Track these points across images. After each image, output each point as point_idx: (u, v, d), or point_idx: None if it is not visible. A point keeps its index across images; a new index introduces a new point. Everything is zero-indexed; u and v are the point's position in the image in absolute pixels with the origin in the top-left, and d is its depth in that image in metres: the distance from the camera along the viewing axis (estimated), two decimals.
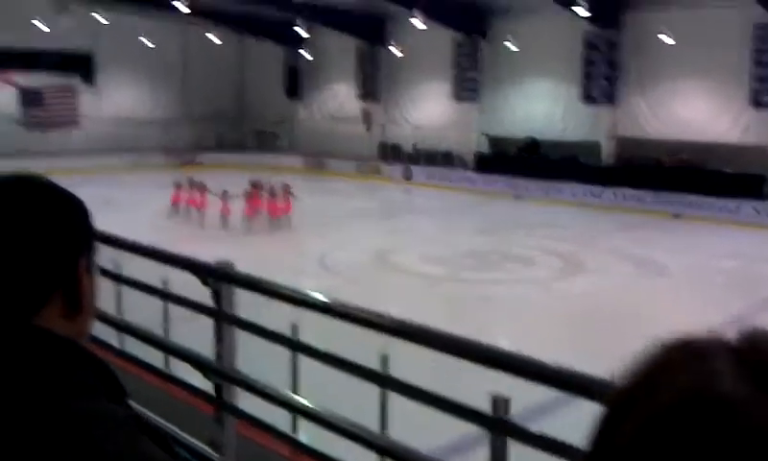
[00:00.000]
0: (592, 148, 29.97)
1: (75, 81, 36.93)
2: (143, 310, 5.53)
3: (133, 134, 38.15)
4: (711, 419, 0.60)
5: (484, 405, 2.93)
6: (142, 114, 39.35)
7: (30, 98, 35.56)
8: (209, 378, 4.03)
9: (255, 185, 22.76)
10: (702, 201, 26.03)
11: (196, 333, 4.43)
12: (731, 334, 0.67)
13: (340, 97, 39.59)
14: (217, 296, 3.91)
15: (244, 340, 4.08)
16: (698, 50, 26.21)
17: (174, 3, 31.00)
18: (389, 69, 36.92)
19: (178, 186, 24.10)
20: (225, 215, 21.87)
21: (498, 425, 2.94)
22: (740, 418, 0.59)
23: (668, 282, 17.64)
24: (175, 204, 23.93)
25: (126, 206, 24.39)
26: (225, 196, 22.18)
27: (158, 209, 24.25)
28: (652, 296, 16.42)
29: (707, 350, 0.66)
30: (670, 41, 25.91)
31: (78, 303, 1.21)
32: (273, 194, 22.32)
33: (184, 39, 40.35)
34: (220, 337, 3.96)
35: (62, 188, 1.26)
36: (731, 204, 25.48)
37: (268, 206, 22.24)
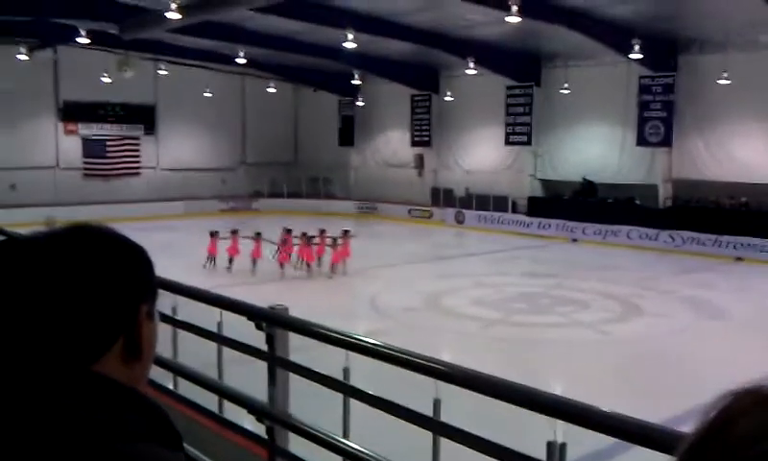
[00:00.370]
0: (648, 191, 29.54)
1: (138, 131, 38.17)
2: (198, 354, 5.61)
3: (191, 182, 39.09)
4: None
5: (540, 450, 2.88)
6: (200, 162, 40.32)
7: (94, 148, 36.83)
8: (262, 422, 4.05)
9: (289, 232, 22.90)
10: (764, 243, 25.35)
11: (250, 375, 4.46)
12: None
13: (393, 143, 39.96)
14: (271, 340, 3.95)
15: (297, 383, 4.09)
16: (755, 91, 25.75)
17: (232, 55, 31.86)
18: (441, 115, 37.18)
19: (213, 235, 23.04)
20: (281, 262, 22.07)
21: None
22: None
23: (728, 326, 17.13)
24: (211, 254, 22.77)
25: (183, 250, 24.82)
26: (281, 239, 22.48)
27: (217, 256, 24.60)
28: (711, 340, 15.97)
29: None
30: (726, 83, 25.51)
31: (138, 349, 1.22)
32: (333, 241, 22.31)
33: (241, 89, 41.39)
34: (273, 381, 3.99)
35: (125, 237, 1.28)
36: None
37: (319, 252, 22.32)
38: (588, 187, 31.54)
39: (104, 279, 1.19)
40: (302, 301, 17.19)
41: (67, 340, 1.16)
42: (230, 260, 22.31)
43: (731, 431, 0.64)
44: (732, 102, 26.46)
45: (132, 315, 1.22)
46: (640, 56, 25.13)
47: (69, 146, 36.32)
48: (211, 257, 22.51)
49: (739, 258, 25.67)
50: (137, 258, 1.28)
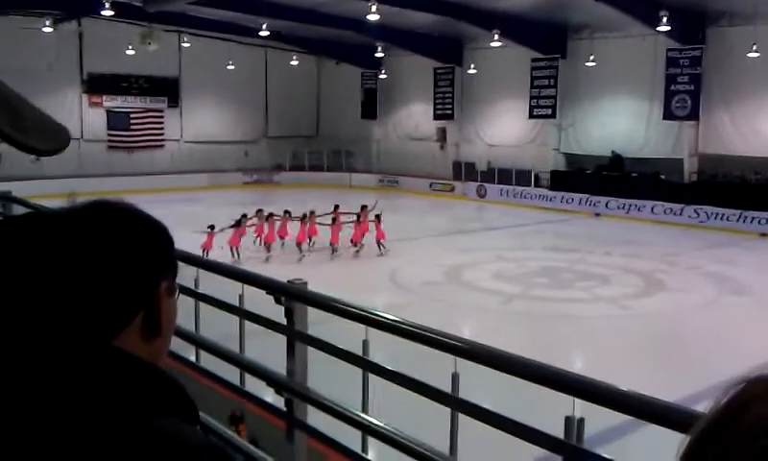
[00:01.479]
0: (674, 165, 29.22)
1: (161, 103, 38.33)
2: (219, 326, 5.68)
3: (215, 154, 39.24)
4: None
5: (559, 424, 2.88)
6: (223, 135, 40.46)
7: (118, 120, 37.08)
8: (281, 394, 4.09)
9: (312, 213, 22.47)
10: None
11: (271, 348, 4.51)
12: None
13: (415, 117, 39.80)
14: (290, 314, 3.98)
15: (317, 357, 4.13)
16: None
17: (255, 27, 31.81)
18: (464, 88, 36.93)
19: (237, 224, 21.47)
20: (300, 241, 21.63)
21: (571, 451, 2.89)
22: None
23: (751, 302, 17.00)
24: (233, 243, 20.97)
25: (207, 222, 24.96)
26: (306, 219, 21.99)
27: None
28: (734, 316, 15.86)
29: None
30: (755, 55, 25.06)
31: (157, 325, 1.23)
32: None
33: (264, 62, 41.35)
34: (292, 354, 4.03)
35: (145, 213, 1.29)
36: None
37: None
38: (616, 161, 31.27)
39: (123, 255, 1.21)
40: (321, 275, 17.33)
41: (87, 315, 1.17)
42: (268, 247, 21.69)
43: (742, 418, 0.64)
44: (760, 75, 26.02)
45: (152, 291, 1.24)
46: (668, 28, 24.73)
47: (93, 118, 36.56)
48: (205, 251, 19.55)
49: (764, 234, 25.39)
50: (157, 235, 1.29)
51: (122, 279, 1.20)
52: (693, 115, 28.45)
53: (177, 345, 4.77)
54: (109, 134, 37.04)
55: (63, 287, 1.17)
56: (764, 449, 0.61)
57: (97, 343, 1.17)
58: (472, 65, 35.49)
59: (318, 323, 4.23)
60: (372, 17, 24.17)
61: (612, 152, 31.29)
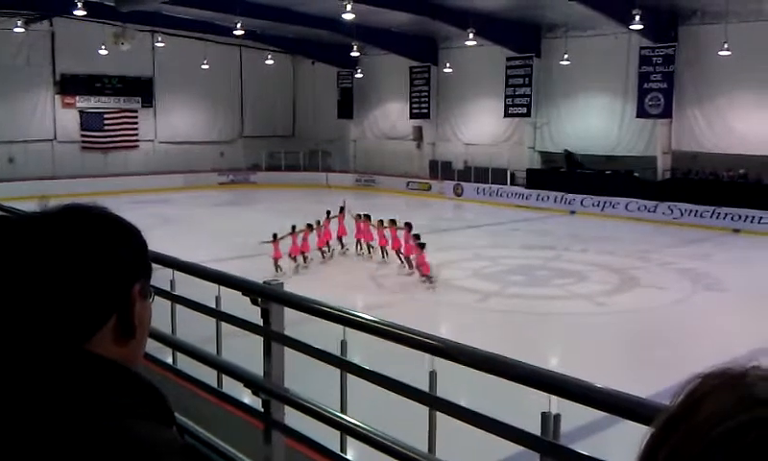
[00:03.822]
0: (647, 162, 29.52)
1: (135, 104, 38.00)
2: (196, 327, 5.65)
3: (190, 155, 38.98)
4: (754, 441, 0.62)
5: (536, 421, 2.90)
6: (198, 135, 40.22)
7: (91, 121, 36.69)
8: (258, 395, 4.08)
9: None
10: (761, 215, 25.39)
11: (248, 348, 4.49)
12: (765, 362, 0.71)
13: (392, 116, 39.81)
14: (266, 315, 3.97)
15: (295, 357, 4.12)
16: (755, 63, 25.61)
17: (229, 26, 31.66)
18: (440, 87, 37.01)
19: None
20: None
21: (547, 447, 2.92)
22: None
23: (725, 297, 17.22)
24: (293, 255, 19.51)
25: (182, 223, 24.85)
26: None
27: (215, 228, 24.61)
28: (708, 311, 16.06)
29: (744, 377, 0.68)
30: (727, 54, 25.38)
31: (131, 328, 1.24)
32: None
33: (239, 62, 41.15)
34: (268, 355, 4.02)
35: (118, 216, 1.29)
36: None
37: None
38: (568, 158, 31.91)
39: (95, 258, 1.21)
40: (298, 276, 17.34)
41: (58, 319, 1.17)
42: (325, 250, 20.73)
43: (697, 412, 0.67)
44: (731, 73, 26.33)
45: (125, 294, 1.23)
46: (641, 26, 24.96)
47: (67, 119, 36.17)
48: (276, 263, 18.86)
49: (737, 230, 25.71)
50: (130, 239, 1.29)
51: (94, 282, 1.19)
52: (666, 113, 28.74)
53: (154, 347, 4.74)
54: (83, 135, 36.64)
55: (34, 291, 1.17)
56: (718, 438, 0.64)
57: (69, 346, 1.16)
58: (448, 64, 35.59)
59: (299, 323, 4.22)
60: (348, 16, 24.16)
61: (565, 150, 31.95)
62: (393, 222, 20.06)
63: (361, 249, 21.18)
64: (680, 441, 0.67)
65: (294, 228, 19.53)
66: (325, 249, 20.77)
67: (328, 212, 21.30)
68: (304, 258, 19.66)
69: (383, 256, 20.35)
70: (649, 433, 0.71)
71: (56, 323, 1.17)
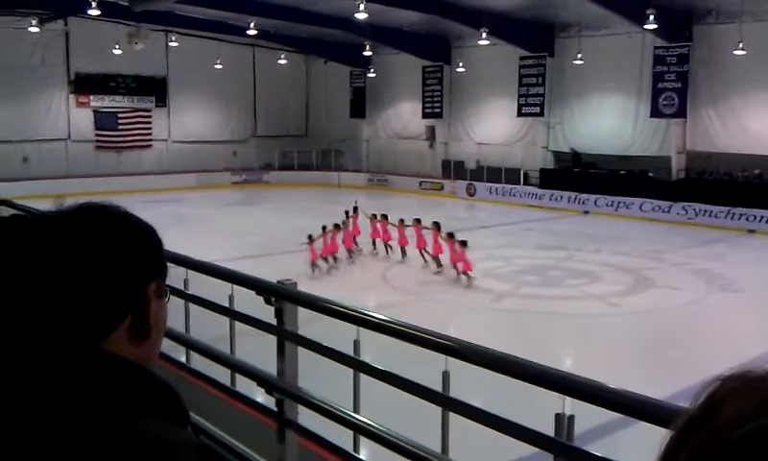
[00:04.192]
0: (662, 162, 29.37)
1: (149, 103, 38.18)
2: (210, 326, 5.67)
3: (203, 154, 39.12)
4: None
5: (549, 422, 2.89)
6: (211, 134, 40.34)
7: (105, 121, 36.89)
8: (272, 394, 4.09)
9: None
10: None
11: (262, 347, 4.50)
12: None
13: (404, 115, 39.80)
14: (280, 314, 3.97)
15: (309, 356, 4.13)
16: None
17: (243, 26, 31.75)
18: (453, 87, 36.96)
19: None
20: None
21: (561, 448, 2.90)
22: None
23: (740, 298, 17.10)
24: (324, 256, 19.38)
25: (196, 223, 24.94)
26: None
27: (228, 227, 24.66)
28: (723, 312, 15.95)
29: (765, 379, 0.68)
30: (741, 53, 25.20)
31: (146, 328, 1.24)
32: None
33: (252, 61, 41.25)
34: (282, 354, 4.03)
35: (134, 216, 1.29)
36: None
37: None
38: (575, 158, 32.04)
39: (111, 257, 1.21)
40: (310, 274, 17.37)
41: (74, 318, 1.17)
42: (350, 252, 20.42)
43: (717, 414, 0.67)
44: (746, 73, 26.15)
45: (140, 294, 1.24)
46: (655, 26, 24.84)
47: (81, 118, 36.37)
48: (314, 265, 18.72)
49: (751, 231, 25.54)
50: (146, 237, 1.29)
51: (109, 281, 1.20)
52: (680, 113, 28.57)
53: (168, 346, 4.76)
54: (97, 135, 36.83)
55: (50, 290, 1.17)
56: (738, 439, 0.63)
57: (85, 345, 1.16)
58: (461, 64, 35.52)
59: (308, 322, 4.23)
60: (361, 16, 24.17)
61: (571, 149, 32.06)
62: (418, 221, 20.10)
63: (376, 248, 21.16)
64: (700, 443, 0.67)
65: (324, 228, 19.55)
66: (354, 247, 20.73)
67: (347, 213, 21.31)
68: (334, 258, 19.63)
69: (403, 256, 20.32)
70: (669, 435, 0.71)
71: (71, 322, 1.17)
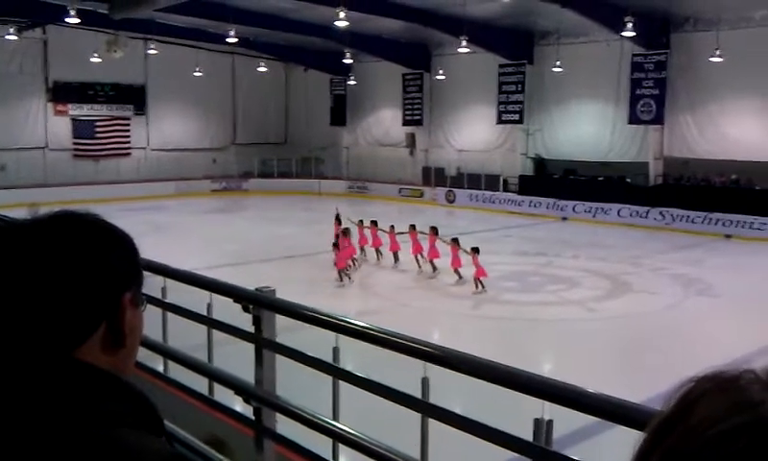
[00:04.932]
0: (639, 168, 29.62)
1: (128, 111, 37.94)
2: (190, 334, 5.63)
3: (182, 162, 38.93)
4: (747, 444, 0.63)
5: (528, 426, 2.90)
6: (190, 142, 40.17)
7: (83, 129, 36.61)
8: (249, 403, 4.07)
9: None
10: (752, 220, 25.48)
11: (243, 355, 4.48)
12: (757, 367, 0.71)
13: (384, 122, 39.86)
14: (257, 322, 3.96)
15: (288, 364, 4.11)
16: (747, 69, 25.77)
17: (222, 34, 31.66)
18: (433, 94, 37.08)
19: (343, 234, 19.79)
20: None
21: (540, 453, 2.91)
22: None
23: (717, 303, 17.26)
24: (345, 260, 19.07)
25: (175, 231, 24.80)
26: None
27: (207, 235, 24.52)
28: (700, 317, 16.09)
29: (737, 380, 0.69)
30: (718, 60, 25.52)
31: (121, 337, 1.22)
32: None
33: (232, 69, 41.15)
34: (260, 362, 4.01)
35: (109, 224, 1.28)
36: None
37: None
38: (539, 164, 32.67)
39: (85, 266, 1.19)
40: (289, 280, 17.31)
41: (46, 326, 1.16)
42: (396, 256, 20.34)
43: (690, 415, 0.67)
44: (723, 79, 26.47)
45: (115, 302, 1.22)
46: (633, 33, 25.06)
47: (59, 127, 36.07)
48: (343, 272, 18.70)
49: (728, 236, 25.80)
50: (121, 245, 1.28)
51: (83, 289, 1.18)
52: (658, 119, 28.84)
53: (145, 355, 4.72)
54: (75, 143, 36.54)
55: (21, 298, 1.16)
56: (711, 440, 0.64)
57: (57, 354, 1.15)
58: (441, 71, 35.64)
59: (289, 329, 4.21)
60: (340, 24, 24.17)
61: (537, 155, 32.70)
62: (413, 227, 20.18)
63: (365, 255, 21.12)
64: (673, 443, 0.67)
65: (347, 231, 19.82)
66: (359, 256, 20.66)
67: (338, 217, 21.39)
68: (353, 261, 19.83)
69: (395, 262, 20.37)
70: (643, 436, 0.72)
71: (44, 330, 1.16)
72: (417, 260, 19.75)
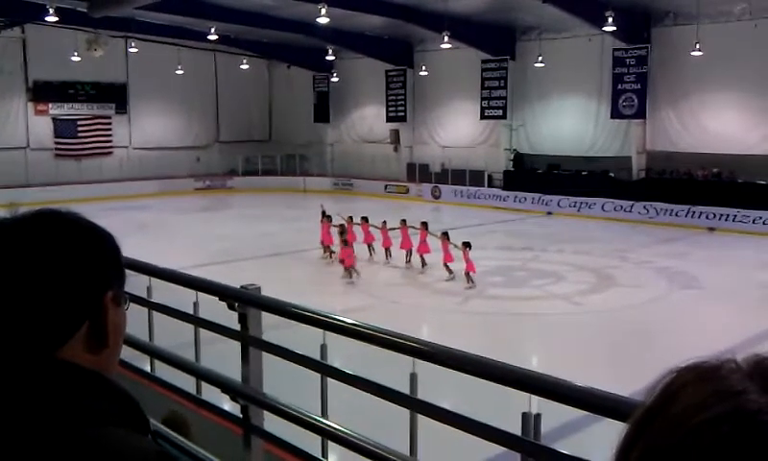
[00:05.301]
0: (622, 163, 29.79)
1: (109, 110, 37.67)
2: (175, 333, 5.60)
3: (165, 161, 38.74)
4: (728, 433, 0.64)
5: (517, 419, 2.91)
6: (173, 141, 39.94)
7: (65, 128, 36.32)
8: (236, 401, 4.05)
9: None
10: (735, 213, 25.70)
11: (232, 352, 4.46)
12: (739, 356, 0.72)
13: (368, 119, 39.84)
14: (244, 319, 3.94)
15: (276, 362, 4.09)
16: (727, 63, 25.97)
17: (204, 31, 31.50)
18: (417, 90, 37.10)
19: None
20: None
21: (528, 447, 2.92)
22: (760, 426, 0.64)
23: (701, 295, 17.40)
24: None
25: (158, 229, 24.68)
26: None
27: (192, 233, 24.44)
28: (684, 309, 16.21)
29: (719, 370, 0.70)
30: (698, 54, 25.69)
31: (103, 336, 1.21)
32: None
33: (214, 67, 40.96)
34: (246, 360, 3.99)
35: (90, 222, 1.27)
36: (765, 215, 25.12)
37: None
38: (517, 158, 33.01)
39: (66, 265, 1.18)
40: (277, 278, 17.26)
41: (28, 326, 1.15)
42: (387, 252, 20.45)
43: (672, 405, 0.69)
44: (704, 73, 26.66)
45: (97, 302, 1.21)
46: (614, 28, 25.17)
47: (40, 126, 35.76)
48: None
49: (711, 228, 26.00)
50: (102, 244, 1.26)
51: (64, 288, 1.17)
52: (640, 114, 29.01)
53: (132, 355, 4.69)
54: (56, 143, 36.24)
55: (2, 298, 1.14)
56: (693, 429, 0.65)
57: (39, 354, 1.14)
58: (424, 67, 35.66)
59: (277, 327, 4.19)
60: (322, 20, 24.10)
61: (513, 150, 33.12)
62: (404, 222, 20.25)
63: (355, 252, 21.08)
64: (656, 433, 0.68)
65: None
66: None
67: (323, 214, 21.37)
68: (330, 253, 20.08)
69: (387, 258, 20.43)
70: (626, 427, 0.73)
71: (25, 330, 1.15)
72: (406, 255, 19.84)
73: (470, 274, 17.57)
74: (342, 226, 20.11)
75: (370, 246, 20.89)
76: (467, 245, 17.81)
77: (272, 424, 4.05)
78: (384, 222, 20.60)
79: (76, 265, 1.19)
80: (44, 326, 1.16)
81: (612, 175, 29.97)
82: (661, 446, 0.67)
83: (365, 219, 21.10)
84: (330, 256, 20.73)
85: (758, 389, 0.67)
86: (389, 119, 38.31)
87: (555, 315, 15.63)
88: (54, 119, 36.13)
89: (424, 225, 19.65)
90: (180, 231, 26.44)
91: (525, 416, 2.92)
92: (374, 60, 36.62)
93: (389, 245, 20.36)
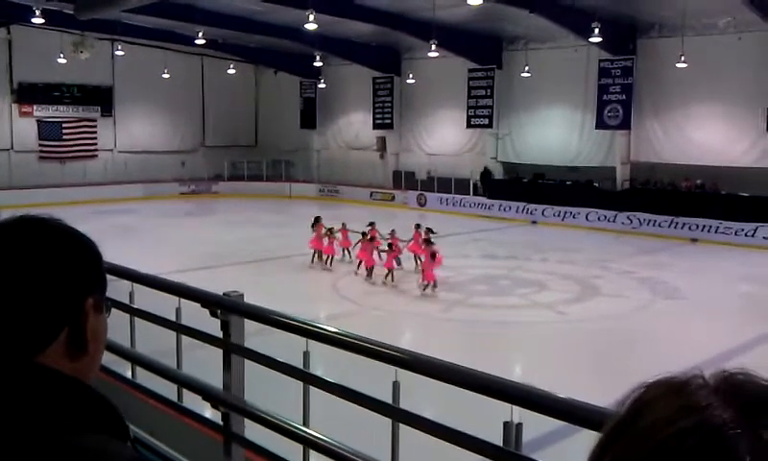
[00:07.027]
0: (607, 173, 29.96)
1: (95, 113, 37.47)
2: (156, 339, 5.57)
3: (150, 165, 38.56)
4: (693, 447, 0.65)
5: (498, 429, 2.91)
6: (159, 145, 39.78)
7: (49, 130, 36.09)
8: (218, 408, 4.03)
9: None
10: (718, 225, 25.89)
11: (215, 359, 4.44)
12: (707, 372, 0.74)
13: (355, 126, 39.85)
14: (226, 327, 3.92)
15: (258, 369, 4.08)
16: (711, 75, 26.23)
17: (191, 35, 31.42)
18: (403, 98, 37.17)
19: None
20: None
21: (509, 457, 2.92)
22: (724, 439, 0.65)
23: (683, 306, 17.51)
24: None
25: (143, 234, 24.55)
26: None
27: (176, 238, 24.33)
28: (667, 319, 16.29)
29: (686, 385, 0.72)
30: (683, 66, 25.91)
31: (83, 343, 1.21)
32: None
33: (201, 71, 40.85)
34: (228, 367, 3.97)
35: (71, 228, 1.27)
36: (747, 227, 25.32)
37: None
38: (484, 178, 33.35)
39: (46, 271, 1.18)
40: (259, 285, 17.22)
41: (7, 332, 1.15)
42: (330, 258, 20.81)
43: (640, 419, 0.70)
44: (688, 85, 26.89)
45: (77, 308, 1.21)
46: (600, 39, 25.33)
47: (24, 128, 35.53)
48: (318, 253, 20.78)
49: (694, 239, 26.18)
50: (83, 251, 1.26)
51: (43, 294, 1.17)
52: (625, 124, 29.21)
53: (113, 360, 4.66)
54: (41, 145, 36.02)
55: None
56: (659, 444, 0.67)
57: (19, 360, 1.14)
58: (411, 75, 35.72)
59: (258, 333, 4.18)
60: (310, 26, 24.09)
61: (485, 167, 33.44)
62: (392, 233, 20.33)
63: (350, 257, 21.04)
64: (625, 446, 0.70)
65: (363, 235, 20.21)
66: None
67: (315, 221, 21.32)
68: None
69: (397, 265, 20.38)
70: (597, 440, 0.74)
71: (3, 335, 1.15)
72: (397, 262, 19.75)
73: (429, 283, 17.56)
74: (330, 229, 20.51)
75: (346, 250, 20.98)
76: (433, 256, 17.80)
77: (253, 431, 4.04)
78: (393, 230, 20.38)
79: (56, 271, 1.19)
80: (24, 331, 1.16)
81: (596, 185, 30.13)
82: (630, 458, 0.68)
83: (371, 224, 21.01)
84: (326, 264, 20.76)
85: (724, 404, 0.68)
86: (375, 126, 38.35)
87: (538, 324, 15.68)
88: (39, 121, 35.93)
89: (417, 227, 20.56)
90: (164, 236, 26.30)
91: (507, 425, 2.92)
92: (362, 67, 36.67)
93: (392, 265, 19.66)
